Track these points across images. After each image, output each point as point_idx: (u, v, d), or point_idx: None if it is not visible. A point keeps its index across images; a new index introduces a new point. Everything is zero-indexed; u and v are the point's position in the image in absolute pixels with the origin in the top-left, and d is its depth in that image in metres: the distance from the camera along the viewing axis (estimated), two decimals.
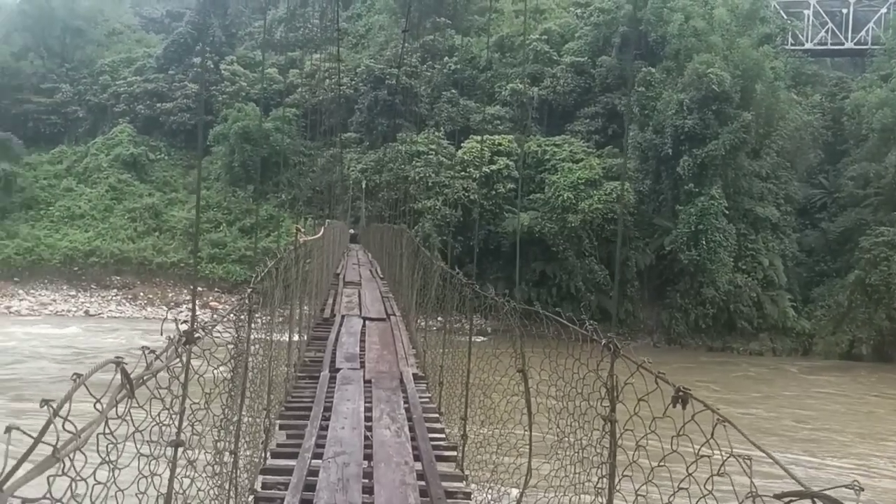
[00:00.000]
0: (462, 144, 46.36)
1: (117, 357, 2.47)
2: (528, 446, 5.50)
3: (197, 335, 3.74)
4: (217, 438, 4.62)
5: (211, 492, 4.53)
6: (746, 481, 2.31)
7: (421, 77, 55.34)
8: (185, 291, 44.40)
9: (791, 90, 46.22)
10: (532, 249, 40.43)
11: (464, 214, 42.37)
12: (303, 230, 9.75)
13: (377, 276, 23.95)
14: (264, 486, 6.25)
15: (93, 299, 44.76)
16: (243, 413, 5.52)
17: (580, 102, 49.64)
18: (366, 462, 6.41)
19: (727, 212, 40.15)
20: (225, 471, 4.90)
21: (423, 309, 11.57)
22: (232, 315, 5.02)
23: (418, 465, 6.34)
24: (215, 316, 4.54)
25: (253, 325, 5.81)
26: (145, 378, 2.83)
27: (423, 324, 11.46)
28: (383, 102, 52.93)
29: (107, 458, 2.44)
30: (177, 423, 3.63)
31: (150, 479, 3.18)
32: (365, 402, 8.26)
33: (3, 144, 54.11)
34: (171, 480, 3.65)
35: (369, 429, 7.30)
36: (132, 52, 65.57)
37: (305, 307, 11.80)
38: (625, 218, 40.58)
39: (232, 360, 4.91)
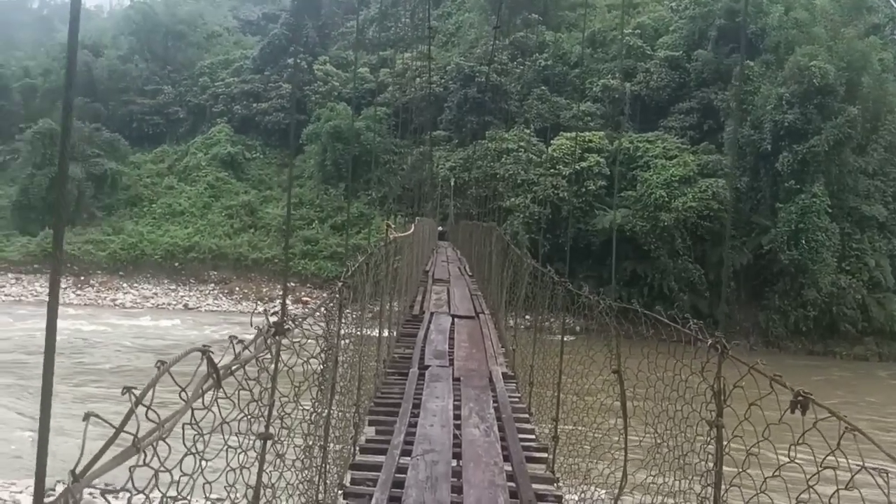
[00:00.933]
0: (552, 141, 45.88)
1: (204, 346, 2.41)
2: (622, 450, 5.26)
3: (287, 327, 3.68)
4: (307, 433, 4.58)
5: (300, 486, 4.51)
6: (878, 497, 2.10)
7: (511, 74, 55.12)
8: (279, 286, 45.50)
9: None
10: (623, 248, 39.66)
11: (553, 212, 41.93)
12: (393, 226, 9.70)
13: (466, 274, 23.89)
14: (353, 481, 6.21)
15: (191, 293, 46.36)
16: (333, 408, 5.50)
17: (674, 98, 48.48)
18: (454, 461, 6.28)
19: (830, 210, 38.45)
20: (314, 465, 4.89)
21: (512, 307, 11.36)
22: (322, 308, 4.96)
23: (508, 466, 6.19)
24: (306, 309, 4.46)
25: (343, 320, 5.77)
26: (233, 368, 2.78)
27: (512, 322, 11.24)
28: (473, 100, 52.99)
29: (193, 450, 2.43)
30: (266, 415, 3.60)
31: (238, 472, 3.17)
32: (454, 400, 8.14)
33: (111, 144, 56.81)
34: (259, 473, 3.61)
35: (458, 427, 7.18)
36: (230, 53, 67.86)
37: (395, 304, 11.77)
38: (724, 216, 39.47)
39: (322, 354, 4.89)
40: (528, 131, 48.90)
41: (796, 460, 2.66)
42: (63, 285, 46.17)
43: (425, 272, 22.43)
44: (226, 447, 2.98)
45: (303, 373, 4.30)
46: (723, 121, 43.96)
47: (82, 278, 46.93)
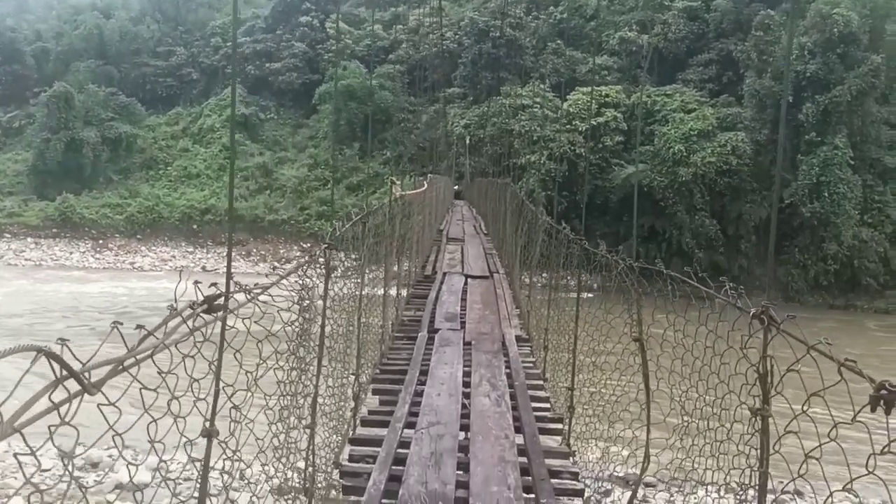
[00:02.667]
0: (568, 97, 45.24)
1: (60, 339, 1.80)
2: (644, 427, 4.79)
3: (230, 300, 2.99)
4: (277, 418, 3.99)
5: (276, 475, 4.06)
6: None
7: (526, 28, 54.25)
8: (296, 247, 45.51)
9: None
10: (641, 204, 39.16)
11: (569, 169, 41.48)
12: (398, 183, 9.30)
13: (481, 232, 23.65)
14: (351, 457, 5.81)
15: (209, 255, 46.52)
16: (320, 381, 5.03)
17: (693, 50, 47.54)
18: (462, 433, 5.91)
19: (852, 162, 37.74)
20: (294, 450, 4.34)
21: (527, 266, 10.92)
22: (297, 274, 4.33)
23: (520, 439, 5.82)
24: (275, 273, 3.83)
25: (333, 284, 5.30)
26: (124, 364, 2.07)
27: (527, 281, 10.83)
28: (487, 56, 52.26)
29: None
30: (209, 408, 3.03)
31: (171, 484, 2.61)
32: (464, 366, 7.71)
33: (126, 109, 56.74)
34: (202, 480, 3.05)
35: (467, 396, 6.77)
36: (241, 13, 67.05)
37: (405, 264, 11.41)
38: (744, 170, 38.89)
39: (298, 324, 4.30)
40: (543, 87, 48.22)
41: (875, 472, 2.11)
42: (81, 249, 46.55)
43: (439, 231, 22.22)
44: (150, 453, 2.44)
45: (274, 349, 3.81)
46: (742, 72, 43.04)
47: (100, 242, 47.23)
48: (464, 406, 6.47)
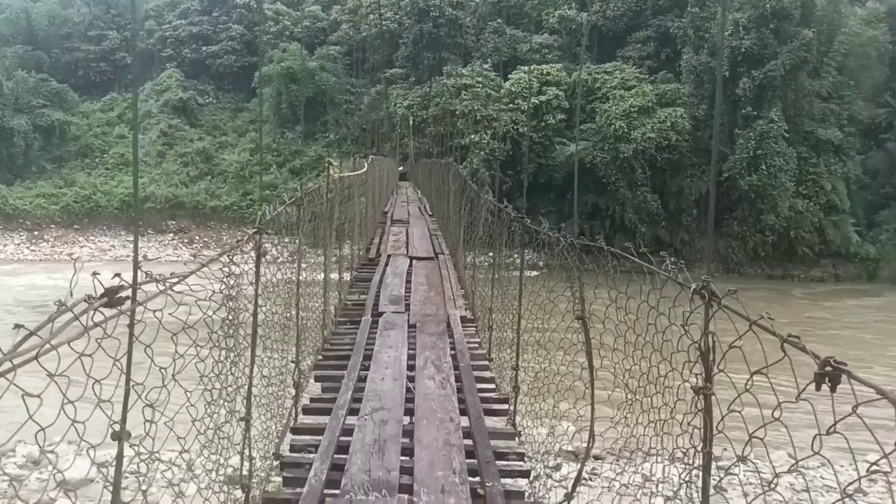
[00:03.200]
0: (509, 76, 45.33)
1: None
2: (589, 406, 4.72)
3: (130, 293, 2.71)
4: (204, 413, 3.82)
5: (203, 478, 3.87)
6: None
7: (466, 8, 54.03)
8: (240, 234, 44.82)
9: (854, 4, 43.88)
10: (583, 181, 39.61)
11: (512, 148, 41.66)
12: (336, 164, 9.10)
13: (426, 214, 23.57)
14: (293, 447, 5.63)
15: (150, 244, 45.53)
16: (257, 370, 4.87)
17: (631, 27, 48.02)
18: (407, 418, 5.81)
19: (787, 135, 38.67)
20: (225, 446, 4.13)
21: (470, 246, 10.86)
22: (222, 261, 4.15)
23: (465, 421, 5.75)
24: (194, 261, 3.65)
25: (266, 269, 5.09)
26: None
27: (471, 261, 10.75)
28: (428, 35, 51.96)
29: None
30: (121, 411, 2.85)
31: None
32: (408, 349, 7.62)
33: (58, 95, 54.95)
34: (115, 486, 2.85)
35: (412, 379, 6.66)
36: None
37: (347, 247, 11.23)
38: (684, 146, 39.53)
39: (224, 313, 4.10)
40: (485, 66, 48.21)
41: (821, 452, 2.10)
42: (16, 241, 45.16)
43: (384, 213, 22.11)
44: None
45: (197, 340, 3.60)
46: (680, 49, 43.66)
47: (36, 233, 45.85)
48: (408, 390, 6.35)
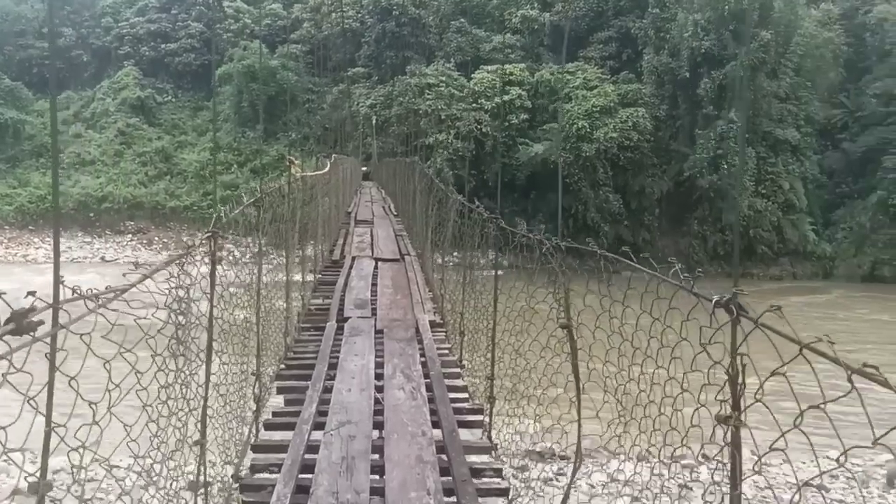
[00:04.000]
0: (473, 75, 45.31)
1: None
2: (576, 423, 4.40)
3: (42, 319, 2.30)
4: (152, 445, 3.48)
5: None
6: None
7: (429, 7, 53.89)
8: (199, 234, 44.16)
9: (811, 6, 44.61)
10: (546, 181, 39.77)
11: (477, 147, 41.64)
12: (297, 162, 8.73)
13: (390, 214, 23.38)
14: (253, 467, 5.26)
15: (108, 245, 44.71)
16: (212, 388, 4.53)
17: (593, 27, 48.26)
18: (376, 432, 5.50)
19: (747, 135, 39.14)
20: (173, 476, 3.78)
21: (439, 248, 10.62)
22: (170, 270, 3.78)
23: (438, 433, 5.48)
24: (134, 272, 3.18)
25: (222, 277, 4.76)
26: None
27: (440, 262, 10.46)
28: (391, 34, 51.72)
29: None
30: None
31: None
32: (376, 357, 7.31)
33: (11, 93, 53.62)
34: None
35: (380, 389, 6.35)
36: None
37: (308, 249, 10.91)
38: (645, 145, 39.85)
39: (172, 330, 3.73)
40: (448, 66, 48.14)
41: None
42: None
43: (347, 213, 21.87)
44: None
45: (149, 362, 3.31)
46: (641, 49, 44.04)
47: None
48: (377, 401, 6.04)
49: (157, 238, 45.11)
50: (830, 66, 43.88)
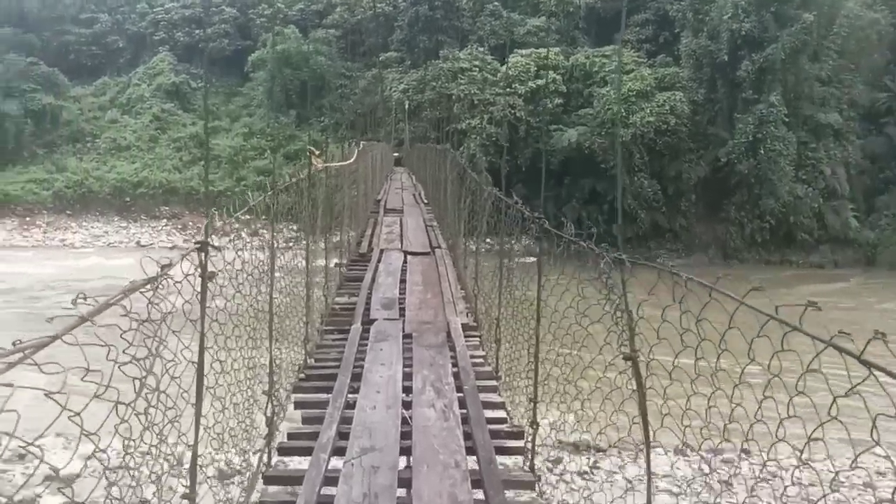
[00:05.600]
0: (507, 59, 44.79)
1: None
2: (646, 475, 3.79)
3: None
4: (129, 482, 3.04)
5: None
6: None
7: None
8: (234, 220, 44.30)
9: None
10: (581, 166, 39.25)
11: (510, 132, 41.18)
12: (318, 153, 7.94)
13: (420, 202, 22.97)
14: (263, 502, 4.71)
15: (143, 230, 45.10)
16: (203, 430, 3.89)
17: (629, 10, 47.37)
18: (403, 458, 4.91)
19: (787, 119, 38.23)
20: None
21: (473, 242, 9.88)
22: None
23: (472, 461, 4.86)
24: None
25: (216, 295, 4.11)
26: None
27: (473, 259, 9.61)
28: (424, 18, 51.34)
29: None
30: None
31: None
32: (404, 366, 6.66)
33: (48, 78, 54.20)
34: None
35: (408, 405, 5.73)
36: None
37: (335, 242, 10.33)
38: (682, 130, 39.11)
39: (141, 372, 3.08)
40: (482, 49, 47.64)
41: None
42: (8, 227, 44.66)
43: (377, 202, 21.51)
44: None
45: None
46: (678, 32, 43.15)
47: (27, 219, 45.32)
48: (404, 420, 5.44)
49: (191, 223, 45.37)
50: (875, 48, 42.60)
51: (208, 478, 4.23)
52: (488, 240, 9.08)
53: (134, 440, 3.02)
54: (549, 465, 6.57)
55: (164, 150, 50.74)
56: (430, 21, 50.89)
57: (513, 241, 7.00)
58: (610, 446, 9.87)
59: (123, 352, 2.84)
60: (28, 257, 37.91)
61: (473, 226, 9.62)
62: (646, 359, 3.66)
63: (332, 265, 10.04)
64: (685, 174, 40.04)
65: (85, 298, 2.43)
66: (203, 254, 3.79)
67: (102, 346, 2.52)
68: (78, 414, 2.44)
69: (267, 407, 5.33)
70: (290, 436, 5.62)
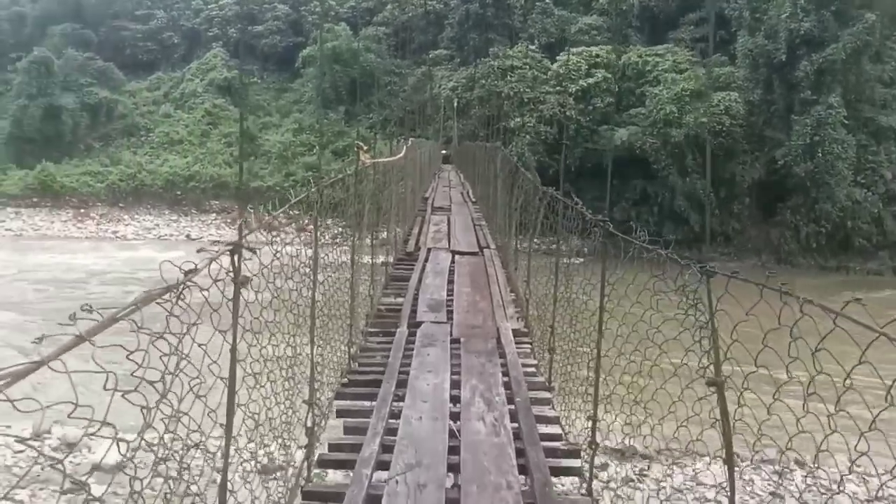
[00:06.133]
0: (557, 58, 44.31)
1: None
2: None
3: None
4: None
5: None
6: None
7: None
8: (282, 214, 44.63)
9: None
10: (632, 167, 38.62)
11: (559, 131, 40.72)
12: (365, 148, 7.64)
13: (469, 200, 22.76)
14: None
15: (193, 223, 45.71)
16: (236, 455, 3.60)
17: (683, 8, 46.56)
18: (450, 476, 4.58)
19: (846, 121, 37.09)
20: None
21: (523, 243, 9.53)
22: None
23: (525, 480, 4.56)
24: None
25: (250, 303, 3.68)
26: None
27: (523, 263, 9.21)
28: (475, 16, 51.16)
29: None
30: None
31: None
32: (452, 374, 6.29)
33: (104, 73, 55.34)
34: None
35: (456, 417, 5.36)
36: None
37: (381, 243, 10.05)
38: (737, 131, 38.28)
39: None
40: (532, 47, 47.24)
41: None
42: (63, 218, 45.64)
43: (424, 199, 21.33)
44: None
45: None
46: (734, 31, 42.22)
47: (82, 211, 46.29)
48: (452, 433, 5.07)
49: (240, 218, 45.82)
50: None
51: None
52: (535, 240, 8.77)
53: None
54: (596, 470, 6.24)
55: (215, 145, 51.40)
56: (480, 18, 50.66)
57: (561, 242, 6.72)
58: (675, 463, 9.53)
59: (132, 374, 2.45)
60: (82, 248, 38.68)
61: (525, 227, 9.25)
62: (736, 387, 3.15)
63: (378, 263, 9.74)
64: (739, 176, 39.14)
65: (91, 310, 2.12)
66: (236, 256, 3.36)
67: (100, 371, 2.13)
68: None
69: (307, 417, 5.02)
70: (332, 446, 5.31)
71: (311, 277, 5.09)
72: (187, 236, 43.55)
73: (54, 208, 46.55)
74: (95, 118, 52.74)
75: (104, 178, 48.08)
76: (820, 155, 36.41)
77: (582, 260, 6.02)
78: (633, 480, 10.99)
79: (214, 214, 46.79)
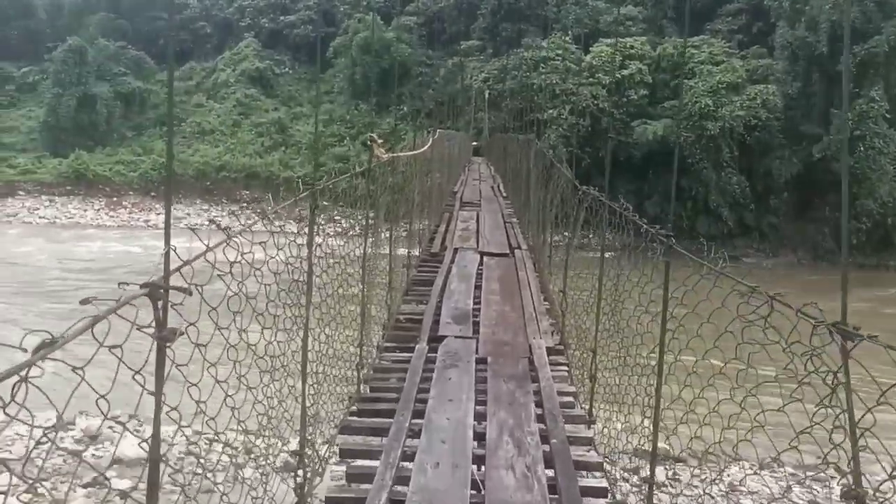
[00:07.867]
0: (591, 49, 43.68)
1: None
2: None
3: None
4: None
5: None
6: None
7: None
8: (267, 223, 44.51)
9: None
10: (665, 160, 37.88)
11: (592, 124, 40.12)
12: (380, 142, 6.70)
13: (499, 195, 22.27)
14: None
15: (224, 213, 45.82)
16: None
17: None
18: None
19: (888, 115, 36.14)
20: None
21: (559, 249, 8.68)
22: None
23: None
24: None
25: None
26: None
27: (560, 271, 8.22)
28: (507, 6, 50.67)
29: None
30: None
31: None
32: (477, 402, 5.46)
33: (137, 63, 55.71)
34: None
35: (481, 460, 4.52)
36: None
37: (399, 246, 8.94)
38: (774, 125, 37.46)
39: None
40: (565, 38, 46.61)
41: None
42: (95, 206, 46.03)
43: (452, 193, 20.64)
44: None
45: None
46: (773, 22, 41.27)
47: (115, 199, 46.65)
48: (474, 485, 4.21)
49: (269, 208, 45.86)
50: None
51: None
52: (566, 233, 8.09)
53: None
54: (627, 474, 5.79)
55: (246, 135, 51.50)
56: (513, 9, 50.14)
57: (590, 236, 6.25)
58: None
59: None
60: (114, 237, 38.96)
61: (559, 227, 8.56)
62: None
63: (400, 266, 8.96)
64: (776, 171, 38.30)
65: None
66: (158, 301, 2.44)
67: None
68: None
69: (297, 471, 4.28)
70: (330, 501, 4.45)
71: (307, 296, 4.39)
72: (217, 225, 43.61)
73: (87, 196, 46.95)
74: (129, 107, 53.12)
75: (136, 167, 48.39)
76: (861, 149, 35.50)
77: (612, 254, 5.63)
78: (664, 484, 10.62)
79: (245, 204, 46.90)
